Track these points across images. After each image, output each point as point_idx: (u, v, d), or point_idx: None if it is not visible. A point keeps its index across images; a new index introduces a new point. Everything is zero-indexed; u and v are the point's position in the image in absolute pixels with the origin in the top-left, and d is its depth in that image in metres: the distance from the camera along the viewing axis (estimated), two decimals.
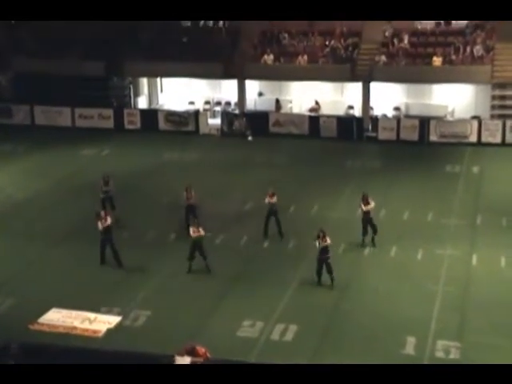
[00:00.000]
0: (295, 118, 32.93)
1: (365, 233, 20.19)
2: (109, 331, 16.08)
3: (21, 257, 20.01)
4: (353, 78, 32.71)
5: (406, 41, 33.23)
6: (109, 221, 19.07)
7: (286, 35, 34.57)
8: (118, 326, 16.31)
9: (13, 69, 35.09)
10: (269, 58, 33.68)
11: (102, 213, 19.48)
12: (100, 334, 15.94)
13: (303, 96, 34.58)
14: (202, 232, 18.67)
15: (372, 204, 20.07)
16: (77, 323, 16.30)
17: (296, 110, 34.43)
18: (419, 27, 33.95)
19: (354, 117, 33.03)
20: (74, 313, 16.65)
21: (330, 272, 17.91)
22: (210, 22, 37.16)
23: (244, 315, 16.66)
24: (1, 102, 34.75)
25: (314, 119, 32.41)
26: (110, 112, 34.02)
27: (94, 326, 16.21)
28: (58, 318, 16.53)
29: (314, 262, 18.14)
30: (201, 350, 13.21)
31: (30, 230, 21.85)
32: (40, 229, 21.96)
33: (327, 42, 33.97)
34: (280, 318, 16.59)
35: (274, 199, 20.74)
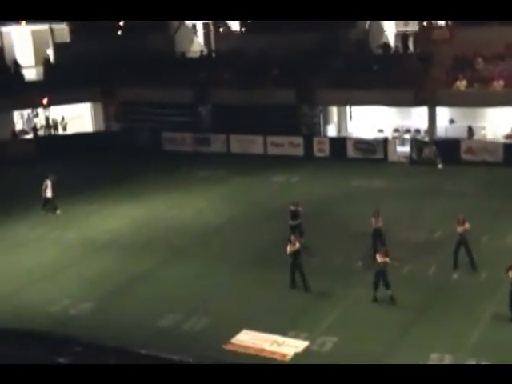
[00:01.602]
0: (489, 145, 31.67)
1: None
2: (296, 355, 16.47)
3: (216, 278, 21.14)
4: None
5: None
6: (297, 245, 19.66)
7: (481, 59, 33.45)
8: (306, 351, 16.66)
9: (211, 101, 37.36)
10: (461, 84, 32.78)
11: (292, 238, 20.12)
12: (288, 358, 16.37)
13: (498, 122, 33.17)
14: (387, 259, 18.58)
15: None
16: (266, 345, 16.87)
17: (490, 137, 33.10)
18: None
19: None
20: (264, 335, 17.25)
21: None
22: (400, 49, 37.02)
23: (432, 347, 16.29)
24: (201, 131, 37.09)
25: (510, 146, 30.95)
26: (300, 140, 34.96)
27: (283, 350, 16.68)
28: (248, 339, 17.22)
29: (508, 296, 17.32)
30: None
31: (225, 253, 23.05)
32: (233, 251, 23.09)
33: None
34: (471, 353, 15.98)
35: (465, 227, 20.09)
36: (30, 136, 39.33)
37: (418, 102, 33.33)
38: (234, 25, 42.76)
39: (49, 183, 27.12)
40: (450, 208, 24.75)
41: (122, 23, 42.63)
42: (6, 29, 41.20)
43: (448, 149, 31.80)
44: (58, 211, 27.32)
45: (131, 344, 16.48)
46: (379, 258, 18.63)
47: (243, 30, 41.05)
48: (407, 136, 34.62)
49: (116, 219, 26.76)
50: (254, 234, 24.48)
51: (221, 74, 37.45)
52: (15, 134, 38.48)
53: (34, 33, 42.88)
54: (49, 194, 27.20)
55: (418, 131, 34.72)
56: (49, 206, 27.36)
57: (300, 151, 34.74)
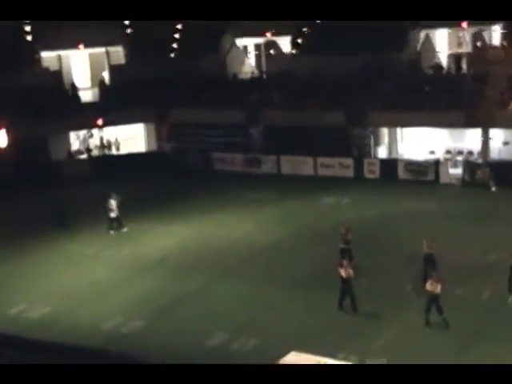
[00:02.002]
0: None
1: None
2: None
3: (263, 299, 21.22)
4: None
5: None
6: (351, 272, 19.63)
7: None
8: None
9: (263, 122, 37.63)
10: None
11: (345, 262, 20.08)
12: None
13: None
14: (438, 289, 18.37)
15: None
16: None
17: None
18: None
19: None
20: (312, 357, 17.15)
21: None
22: (453, 70, 36.74)
23: None
24: (251, 152, 37.36)
25: None
26: (350, 161, 34.90)
27: None
28: (296, 360, 17.14)
29: None
30: None
31: (273, 273, 23.11)
32: (282, 272, 23.14)
33: None
34: None
35: None
36: (85, 156, 40.29)
37: (470, 124, 32.94)
38: (285, 46, 43.15)
39: (113, 202, 27.57)
40: (504, 232, 24.34)
41: (175, 45, 43.45)
42: (64, 52, 42.47)
43: (502, 171, 31.29)
44: (122, 229, 27.90)
45: (181, 362, 16.62)
46: (429, 287, 18.43)
47: (294, 51, 41.35)
48: (459, 158, 34.19)
49: (168, 238, 27.13)
50: (303, 256, 24.48)
51: (272, 95, 37.75)
52: (71, 154, 39.46)
53: (90, 55, 44.10)
54: (113, 213, 27.64)
55: (470, 153, 34.27)
56: (114, 224, 27.83)
57: (350, 172, 34.65)
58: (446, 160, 34.00)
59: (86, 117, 38.13)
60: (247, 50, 45.86)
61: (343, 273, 19.58)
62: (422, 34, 38.06)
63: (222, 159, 37.68)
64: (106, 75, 42.69)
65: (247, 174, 36.23)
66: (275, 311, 20.38)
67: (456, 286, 20.48)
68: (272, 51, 44.12)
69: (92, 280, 23.39)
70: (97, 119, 38.50)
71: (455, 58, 37.46)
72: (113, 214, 27.74)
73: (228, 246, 25.92)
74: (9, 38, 38.90)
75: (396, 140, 37.09)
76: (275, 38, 43.75)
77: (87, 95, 41.45)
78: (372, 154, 35.98)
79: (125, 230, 27.95)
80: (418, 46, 37.89)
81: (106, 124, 39.14)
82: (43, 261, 25.53)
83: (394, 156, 36.35)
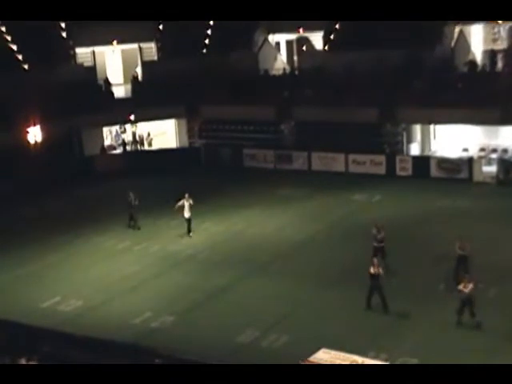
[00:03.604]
0: None
1: None
2: None
3: (293, 296, 21.19)
4: None
5: None
6: (380, 270, 19.49)
7: None
8: None
9: (294, 118, 37.55)
10: None
11: (375, 260, 19.96)
12: None
13: None
14: (470, 289, 18.13)
15: None
16: None
17: None
18: None
19: None
20: (343, 354, 17.10)
21: None
22: (487, 67, 36.21)
23: None
24: (283, 149, 37.30)
25: None
26: (382, 158, 34.64)
27: None
28: (326, 358, 17.09)
29: None
30: None
31: (304, 270, 23.08)
32: (313, 269, 23.09)
33: None
34: None
35: None
36: (117, 151, 40.64)
37: (505, 121, 32.46)
38: (318, 43, 42.97)
39: (186, 203, 26.74)
40: None
41: (207, 41, 43.56)
42: (98, 48, 42.90)
43: None
44: (191, 234, 27.05)
45: (210, 358, 16.71)
46: (462, 288, 18.21)
47: (326, 47, 41.15)
48: (494, 155, 33.74)
49: (198, 234, 27.22)
50: (334, 253, 24.41)
51: (303, 91, 37.63)
52: (104, 149, 39.84)
53: (123, 52, 44.46)
54: (186, 214, 26.76)
55: (505, 150, 33.78)
56: (189, 226, 26.94)
57: (382, 170, 34.40)
58: (480, 158, 33.57)
59: (118, 112, 38.48)
60: (279, 46, 45.76)
61: (372, 270, 19.46)
62: (456, 30, 37.57)
63: (253, 155, 37.70)
64: (138, 71, 43.01)
65: (278, 171, 36.19)
66: (306, 308, 20.36)
67: (489, 287, 20.23)
68: (304, 47, 43.98)
69: (123, 275, 23.61)
70: (129, 115, 38.83)
71: (490, 54, 36.88)
72: (186, 215, 26.80)
73: (258, 243, 25.93)
74: (44, 34, 39.39)
75: (429, 137, 36.74)
76: (307, 34, 43.60)
77: (120, 91, 41.81)
78: (404, 151, 35.67)
79: (190, 235, 26.95)
80: (452, 42, 37.40)
81: (138, 119, 39.47)
82: (75, 255, 25.84)
83: (426, 153, 36.01)
